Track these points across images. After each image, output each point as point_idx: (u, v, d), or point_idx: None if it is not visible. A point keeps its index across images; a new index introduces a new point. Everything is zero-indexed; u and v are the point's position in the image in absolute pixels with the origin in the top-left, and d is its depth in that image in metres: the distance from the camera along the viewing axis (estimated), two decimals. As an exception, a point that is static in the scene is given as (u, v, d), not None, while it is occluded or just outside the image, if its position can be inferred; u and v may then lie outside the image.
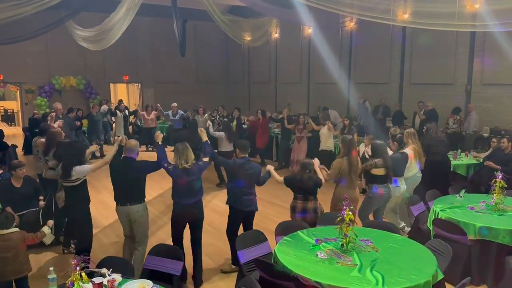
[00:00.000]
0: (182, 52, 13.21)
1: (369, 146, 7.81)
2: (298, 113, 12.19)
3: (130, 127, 15.05)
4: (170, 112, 13.60)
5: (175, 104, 13.63)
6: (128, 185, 4.64)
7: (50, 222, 4.37)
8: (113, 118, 14.11)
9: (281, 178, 5.15)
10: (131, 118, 15.03)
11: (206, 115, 13.11)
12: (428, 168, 6.57)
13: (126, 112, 13.93)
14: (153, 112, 13.70)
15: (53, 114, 9.02)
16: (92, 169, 4.84)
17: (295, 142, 10.45)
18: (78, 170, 4.72)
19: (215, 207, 7.69)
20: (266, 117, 11.58)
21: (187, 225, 4.85)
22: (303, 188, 5.00)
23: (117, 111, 13.69)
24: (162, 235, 6.11)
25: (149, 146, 13.83)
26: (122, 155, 4.76)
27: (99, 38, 13.02)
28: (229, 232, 5.07)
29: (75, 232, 5.15)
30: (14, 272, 3.96)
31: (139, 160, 4.82)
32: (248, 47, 18.16)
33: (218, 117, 12.89)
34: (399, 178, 5.86)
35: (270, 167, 5.31)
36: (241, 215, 5.03)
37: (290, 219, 5.05)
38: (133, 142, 4.80)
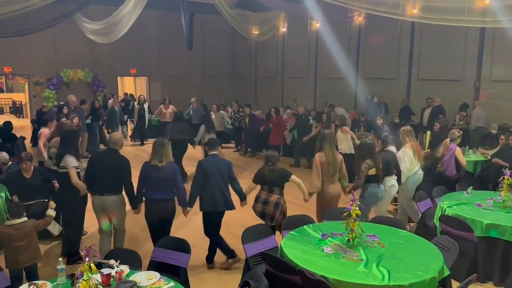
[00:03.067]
0: (189, 46, 13.23)
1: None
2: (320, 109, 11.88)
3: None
4: (191, 107, 13.37)
5: (194, 99, 13.37)
6: (112, 176, 4.69)
7: (52, 204, 4.40)
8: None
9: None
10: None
11: (222, 112, 12.82)
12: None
13: (145, 106, 13.57)
14: (171, 106, 13.10)
15: (65, 110, 9.10)
16: (72, 172, 4.92)
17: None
18: (66, 160, 4.94)
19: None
20: (279, 115, 11.48)
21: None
22: (267, 180, 5.03)
23: (134, 104, 13.65)
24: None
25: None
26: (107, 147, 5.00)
27: (107, 31, 13.06)
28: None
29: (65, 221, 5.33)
30: (27, 259, 4.06)
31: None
32: (255, 41, 18.12)
33: (233, 113, 12.83)
34: (390, 176, 5.74)
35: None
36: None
37: (296, 213, 5.05)
38: (118, 135, 5.02)
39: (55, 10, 12.98)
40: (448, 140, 6.45)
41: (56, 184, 5.62)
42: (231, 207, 5.00)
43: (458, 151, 6.37)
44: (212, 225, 5.03)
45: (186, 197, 4.90)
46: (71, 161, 4.94)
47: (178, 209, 4.92)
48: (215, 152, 5.09)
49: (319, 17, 13.29)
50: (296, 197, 5.60)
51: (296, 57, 17.04)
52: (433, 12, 8.31)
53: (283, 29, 16.88)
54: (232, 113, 13.02)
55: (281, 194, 5.05)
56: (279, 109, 11.74)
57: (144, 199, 4.83)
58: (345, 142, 9.18)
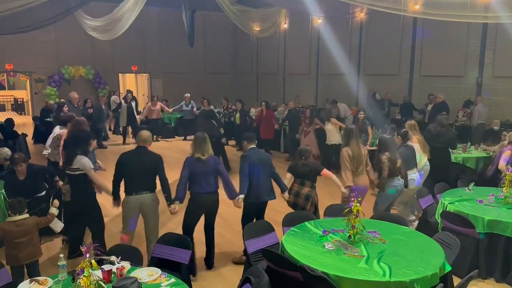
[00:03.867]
0: (190, 43, 13.22)
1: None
2: (306, 105, 12.11)
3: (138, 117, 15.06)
4: (183, 103, 13.57)
5: (188, 95, 13.61)
6: (147, 174, 4.63)
7: (56, 203, 4.36)
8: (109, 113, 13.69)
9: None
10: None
11: (211, 107, 12.92)
12: (430, 161, 6.57)
13: (133, 103, 13.50)
14: (159, 103, 13.51)
15: (66, 108, 9.05)
16: (91, 173, 4.82)
17: (302, 136, 10.35)
18: (79, 161, 4.72)
19: (223, 197, 7.66)
20: (270, 109, 11.59)
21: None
22: (299, 174, 5.22)
23: (122, 102, 13.40)
24: (171, 224, 6.15)
25: (153, 136, 13.82)
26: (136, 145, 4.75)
27: (108, 28, 13.05)
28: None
29: (81, 222, 5.07)
30: (28, 256, 4.06)
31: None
32: (257, 38, 18.08)
33: (222, 109, 12.91)
34: (411, 170, 5.89)
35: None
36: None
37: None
38: (147, 133, 4.83)
39: (57, 7, 12.97)
40: (506, 141, 6.46)
41: (60, 182, 5.45)
42: (274, 197, 5.16)
43: (507, 153, 6.19)
44: (251, 215, 5.12)
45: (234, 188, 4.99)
46: (88, 162, 4.77)
47: (165, 207, 4.89)
48: (254, 145, 5.20)
49: (321, 13, 13.24)
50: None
51: (297, 54, 17.00)
52: (435, 8, 8.28)
53: (284, 26, 16.83)
54: (222, 110, 13.16)
55: (312, 187, 5.25)
56: (269, 103, 11.92)
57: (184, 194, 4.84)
58: (337, 134, 9.50)
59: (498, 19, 8.17)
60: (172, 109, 14.32)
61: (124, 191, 4.66)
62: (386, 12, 9.22)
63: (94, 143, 5.37)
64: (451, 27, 10.91)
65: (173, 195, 4.74)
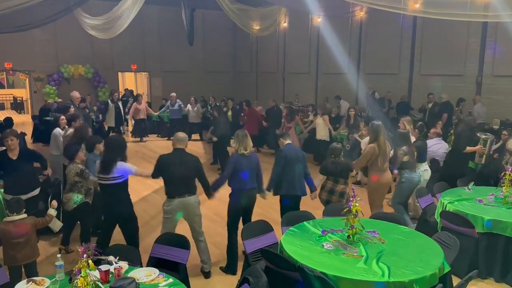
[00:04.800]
0: (190, 41, 13.22)
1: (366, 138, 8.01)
2: (307, 104, 12.24)
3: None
4: (168, 103, 13.66)
5: (174, 94, 13.70)
6: (188, 176, 4.62)
7: (54, 204, 4.30)
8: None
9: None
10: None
11: (198, 105, 13.49)
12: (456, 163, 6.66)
13: (120, 103, 13.33)
14: (144, 103, 13.40)
15: (72, 110, 8.85)
16: (138, 172, 4.72)
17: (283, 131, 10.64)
18: (122, 167, 4.52)
19: (221, 196, 7.65)
20: (251, 107, 11.88)
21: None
22: (332, 172, 5.29)
23: (109, 102, 13.18)
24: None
25: (141, 138, 13.64)
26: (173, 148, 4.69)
27: (107, 26, 13.02)
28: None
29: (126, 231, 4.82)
30: (26, 257, 4.04)
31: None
32: (256, 36, 18.04)
33: (209, 107, 12.95)
34: (424, 162, 6.21)
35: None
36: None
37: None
38: (183, 134, 4.81)
39: (56, 5, 12.94)
40: None
41: (42, 177, 5.33)
42: (305, 193, 5.28)
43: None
44: (288, 209, 5.13)
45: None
46: (129, 165, 4.63)
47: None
48: (290, 141, 5.33)
49: (321, 12, 13.22)
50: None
51: (297, 53, 16.96)
52: (435, 7, 8.24)
53: (284, 24, 16.80)
54: (209, 108, 13.28)
55: (346, 184, 5.33)
56: (250, 101, 12.29)
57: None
58: (324, 130, 10.07)
59: (497, 18, 8.14)
60: (158, 113, 14.34)
61: (166, 194, 4.63)
62: (386, 11, 9.19)
63: (100, 146, 5.28)
64: (451, 26, 10.88)
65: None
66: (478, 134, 7.40)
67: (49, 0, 10.24)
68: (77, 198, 4.98)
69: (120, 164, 4.51)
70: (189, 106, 13.51)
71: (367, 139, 8.30)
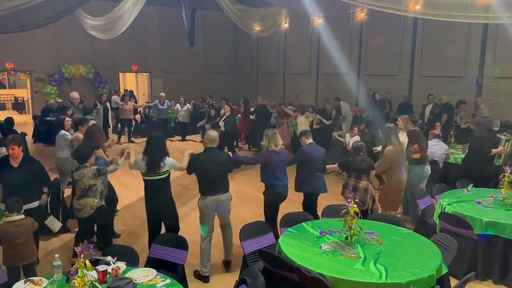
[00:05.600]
0: (190, 42, 13.22)
1: (355, 137, 8.62)
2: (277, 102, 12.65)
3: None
4: (157, 101, 13.70)
5: (163, 94, 13.78)
6: (221, 174, 4.76)
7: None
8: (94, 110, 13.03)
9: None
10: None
11: (188, 105, 13.55)
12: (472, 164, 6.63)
13: (108, 104, 13.07)
14: (131, 103, 13.26)
15: (70, 111, 8.80)
16: (182, 168, 4.79)
17: (276, 127, 11.07)
18: (169, 162, 4.64)
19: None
20: (247, 106, 12.21)
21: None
22: (356, 168, 5.38)
23: (97, 103, 12.75)
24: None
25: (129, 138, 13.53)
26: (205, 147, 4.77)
27: (108, 27, 13.05)
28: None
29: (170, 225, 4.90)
30: (25, 257, 4.04)
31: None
32: (257, 37, 18.06)
33: (206, 106, 12.98)
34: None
35: None
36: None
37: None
38: (214, 133, 4.86)
39: (57, 5, 12.97)
40: None
41: (44, 197, 5.07)
42: (326, 190, 5.49)
43: None
44: (308, 206, 5.41)
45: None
46: (174, 160, 4.73)
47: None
48: (312, 140, 5.53)
49: (321, 13, 13.23)
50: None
51: (298, 53, 16.97)
52: (435, 8, 8.24)
53: (285, 25, 16.81)
54: (207, 107, 13.40)
55: (369, 181, 5.45)
56: (247, 100, 12.57)
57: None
58: (306, 127, 9.93)
59: (498, 19, 8.14)
60: (143, 106, 14.57)
61: (200, 191, 4.75)
62: (387, 12, 9.18)
63: (101, 152, 5.29)
64: (451, 27, 10.88)
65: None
66: (497, 135, 7.44)
67: (50, 0, 10.24)
68: (93, 202, 4.73)
69: (167, 159, 4.63)
70: (178, 106, 13.66)
71: (356, 138, 8.48)
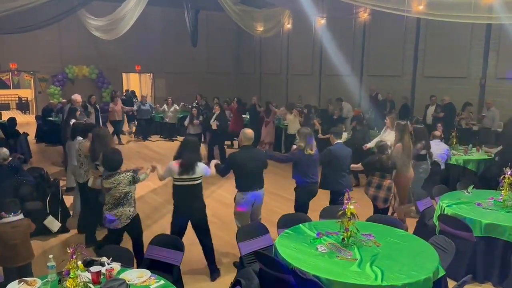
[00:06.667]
0: (193, 43, 13.23)
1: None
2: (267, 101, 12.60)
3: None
4: (139, 102, 13.89)
5: (144, 95, 14.15)
6: (259, 171, 4.95)
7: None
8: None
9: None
10: None
11: (175, 106, 13.64)
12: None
13: (97, 106, 12.40)
14: (119, 103, 12.94)
15: (78, 113, 8.61)
16: (212, 171, 4.82)
17: (263, 125, 11.70)
18: (201, 167, 4.57)
19: (221, 198, 7.67)
20: (240, 105, 12.65)
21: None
22: (382, 167, 5.55)
23: (88, 105, 12.27)
24: (165, 223, 6.11)
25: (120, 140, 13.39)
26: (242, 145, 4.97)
27: (111, 27, 13.07)
28: None
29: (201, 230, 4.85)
30: (21, 258, 4.04)
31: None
32: (260, 38, 18.05)
33: (199, 106, 13.00)
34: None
35: None
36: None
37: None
38: (250, 131, 5.01)
39: (60, 6, 13.01)
40: None
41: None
42: (351, 188, 5.50)
43: None
44: (333, 203, 5.52)
45: None
46: (204, 168, 4.63)
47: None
48: (340, 140, 5.71)
49: (324, 13, 13.21)
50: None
51: (300, 54, 16.95)
52: (438, 8, 8.21)
53: (287, 26, 16.78)
54: (199, 107, 13.37)
55: (391, 179, 5.64)
56: (241, 99, 13.00)
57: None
58: (295, 124, 10.31)
59: (502, 19, 8.08)
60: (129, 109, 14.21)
61: (236, 187, 4.93)
62: (389, 12, 9.15)
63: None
64: (454, 27, 10.81)
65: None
66: None
67: (53, 0, 10.27)
68: (129, 212, 4.42)
69: (200, 165, 4.57)
70: (165, 107, 13.68)
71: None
